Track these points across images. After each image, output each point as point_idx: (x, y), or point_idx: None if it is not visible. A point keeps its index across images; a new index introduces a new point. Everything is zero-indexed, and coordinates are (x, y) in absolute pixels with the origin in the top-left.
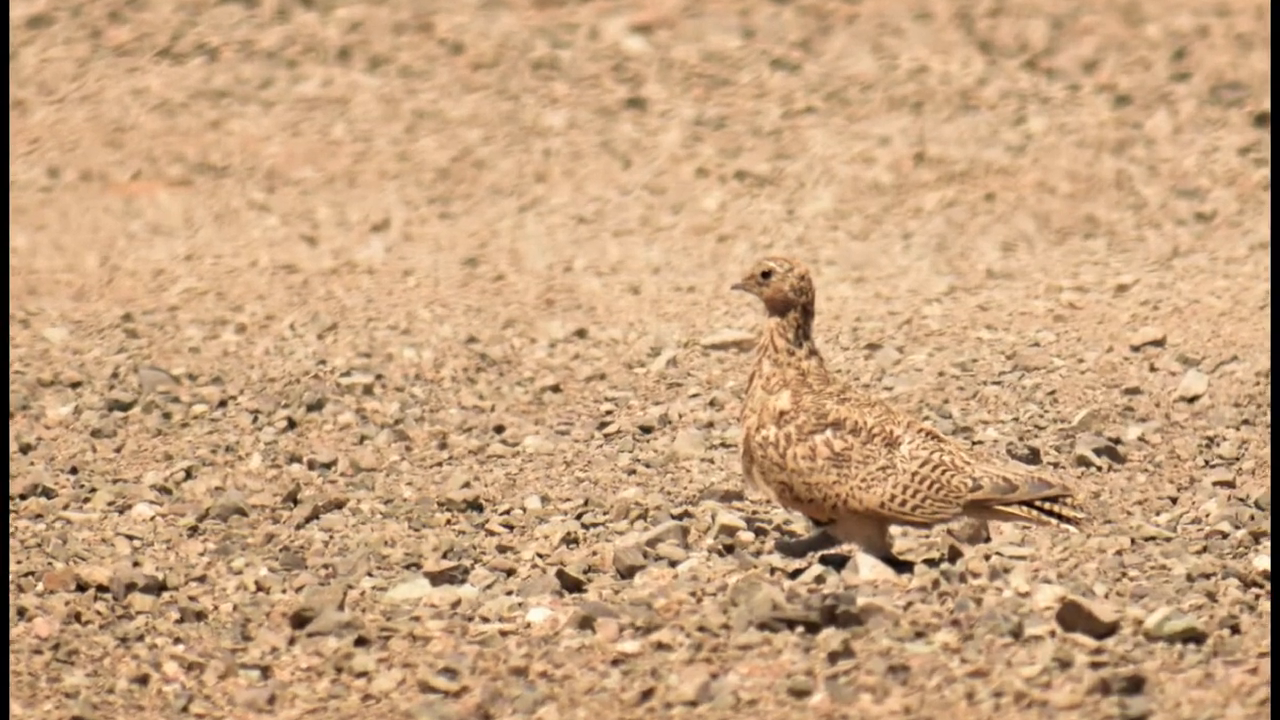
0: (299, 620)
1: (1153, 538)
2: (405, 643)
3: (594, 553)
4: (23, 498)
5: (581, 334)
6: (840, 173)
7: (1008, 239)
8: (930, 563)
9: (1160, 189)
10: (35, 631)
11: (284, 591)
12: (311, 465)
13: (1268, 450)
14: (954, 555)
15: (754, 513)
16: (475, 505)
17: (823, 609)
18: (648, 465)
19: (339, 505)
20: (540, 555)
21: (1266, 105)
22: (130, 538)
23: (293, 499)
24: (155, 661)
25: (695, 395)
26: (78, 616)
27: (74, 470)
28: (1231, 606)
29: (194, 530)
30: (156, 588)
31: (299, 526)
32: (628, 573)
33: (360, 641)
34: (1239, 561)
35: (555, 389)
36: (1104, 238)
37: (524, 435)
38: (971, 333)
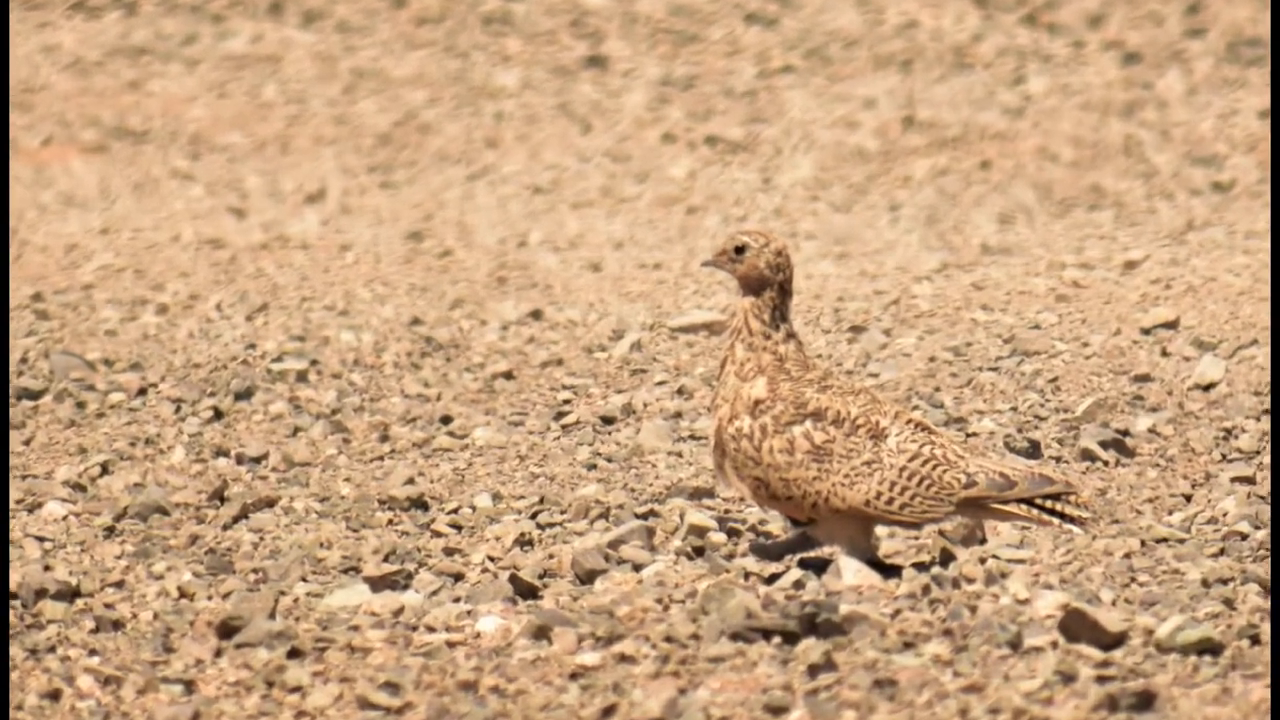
0: (226, 630)
1: (1164, 539)
2: (343, 655)
3: (550, 556)
4: None
5: (536, 315)
6: (821, 138)
7: (1005, 211)
8: (920, 567)
9: (1173, 156)
10: None
11: (209, 598)
12: (240, 459)
13: None
14: (946, 558)
15: (726, 512)
16: (420, 503)
17: (802, 617)
18: (609, 459)
19: (270, 504)
20: (491, 558)
21: None
22: (40, 539)
23: (219, 497)
24: (68, 675)
25: (662, 383)
26: None
27: None
28: (1251, 615)
29: (111, 531)
30: (69, 594)
31: (226, 527)
32: (587, 577)
33: (293, 653)
34: (1259, 565)
35: (508, 376)
36: (1111, 209)
37: (473, 426)
38: (965, 314)
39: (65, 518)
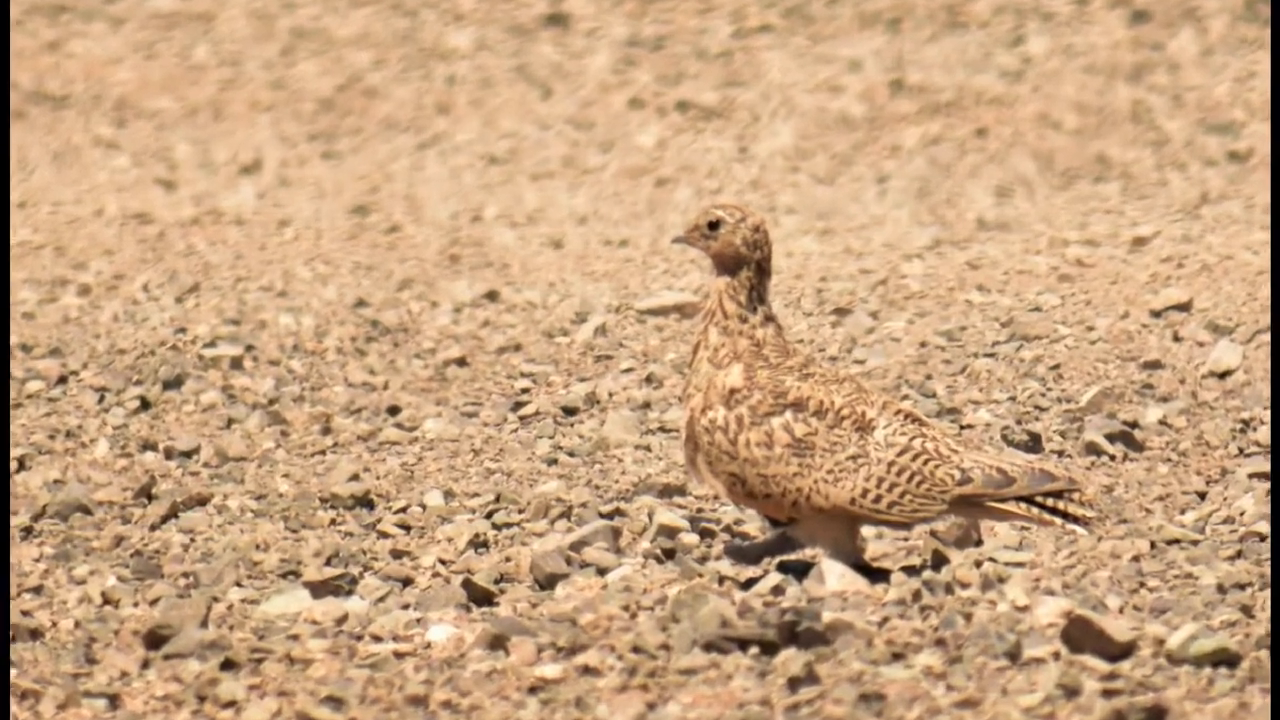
0: (153, 639)
1: (1176, 540)
2: (281, 666)
3: (507, 559)
4: None
5: (492, 296)
6: (802, 103)
7: (1003, 183)
8: (910, 570)
9: (1185, 122)
10: None
11: (136, 605)
12: (169, 454)
13: None
14: (939, 562)
15: (699, 511)
16: (365, 502)
17: (781, 626)
18: (571, 454)
19: (201, 502)
20: (443, 562)
21: None
22: None
23: (146, 494)
24: None
25: (628, 370)
26: None
27: None
28: (1270, 623)
29: (28, 532)
30: None
31: (154, 527)
32: (547, 582)
33: (227, 665)
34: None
35: (461, 362)
36: (1118, 181)
37: (423, 418)
38: (959, 295)
39: None
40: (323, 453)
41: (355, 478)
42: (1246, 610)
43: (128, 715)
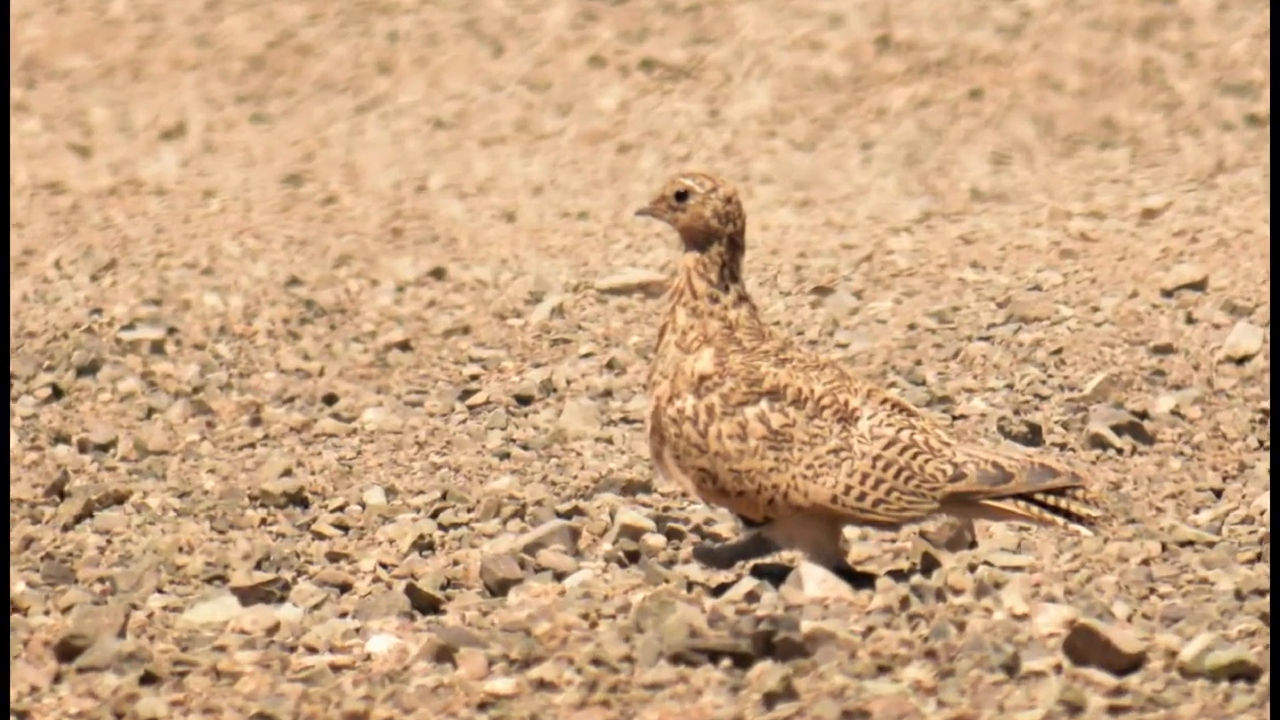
0: (66, 651)
1: (1190, 542)
2: (207, 680)
3: (455, 562)
4: None
5: (438, 274)
6: (779, 62)
7: (1000, 149)
8: (897, 575)
9: (1199, 83)
10: None
11: (47, 613)
12: (83, 447)
13: None
14: (929, 565)
15: (665, 510)
16: (299, 500)
17: (756, 636)
18: (525, 447)
19: (119, 500)
20: (384, 565)
21: None
22: None
23: (59, 491)
24: None
25: (588, 355)
26: None
27: None
28: (1270, 620)
29: None
30: None
31: (67, 528)
32: (499, 588)
33: (147, 679)
34: None
35: (404, 346)
36: (1126, 147)
37: (363, 407)
38: (952, 272)
39: None
40: (252, 446)
41: (288, 473)
42: (1266, 619)
43: None
